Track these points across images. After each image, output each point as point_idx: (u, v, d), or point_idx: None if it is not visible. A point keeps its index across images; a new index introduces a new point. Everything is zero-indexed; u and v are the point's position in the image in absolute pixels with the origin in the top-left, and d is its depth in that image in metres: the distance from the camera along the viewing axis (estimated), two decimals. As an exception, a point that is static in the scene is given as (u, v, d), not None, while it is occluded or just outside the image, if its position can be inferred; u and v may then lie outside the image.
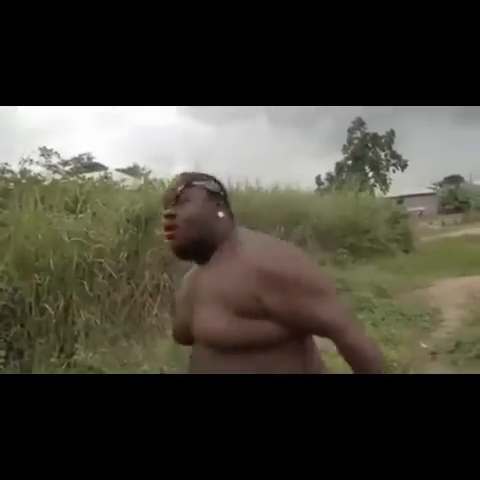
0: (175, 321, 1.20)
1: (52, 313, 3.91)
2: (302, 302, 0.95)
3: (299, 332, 1.00)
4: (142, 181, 6.92)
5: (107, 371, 3.62)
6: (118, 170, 11.67)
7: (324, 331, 0.99)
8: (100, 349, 4.13)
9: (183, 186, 1.06)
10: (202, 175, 1.12)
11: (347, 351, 0.97)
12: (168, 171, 6.89)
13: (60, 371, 3.61)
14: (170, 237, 1.05)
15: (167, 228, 1.05)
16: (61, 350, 4.07)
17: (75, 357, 3.61)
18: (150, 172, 8.23)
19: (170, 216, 1.05)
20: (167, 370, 3.49)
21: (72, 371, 3.58)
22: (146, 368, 3.42)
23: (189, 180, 1.08)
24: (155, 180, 7.07)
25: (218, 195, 1.10)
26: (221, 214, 1.07)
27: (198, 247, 1.05)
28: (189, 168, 7.68)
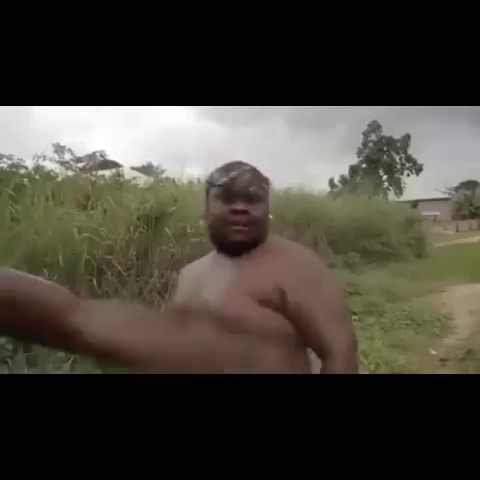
0: (179, 303, 1.16)
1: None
2: (316, 313, 1.00)
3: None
4: (153, 180, 6.94)
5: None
6: (132, 168, 11.73)
7: (319, 349, 1.01)
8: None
9: (257, 186, 1.08)
10: (262, 174, 1.13)
11: (327, 371, 0.99)
12: (182, 171, 6.89)
13: (66, 366, 3.62)
14: (239, 231, 1.05)
15: (240, 223, 1.05)
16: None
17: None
18: (164, 171, 8.24)
19: (243, 212, 1.05)
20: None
21: (78, 367, 3.59)
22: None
23: (260, 181, 1.10)
24: (166, 179, 7.10)
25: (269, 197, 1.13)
26: (271, 216, 1.12)
27: (256, 245, 1.08)
28: (205, 168, 7.72)
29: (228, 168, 1.10)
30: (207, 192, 1.13)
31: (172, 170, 7.43)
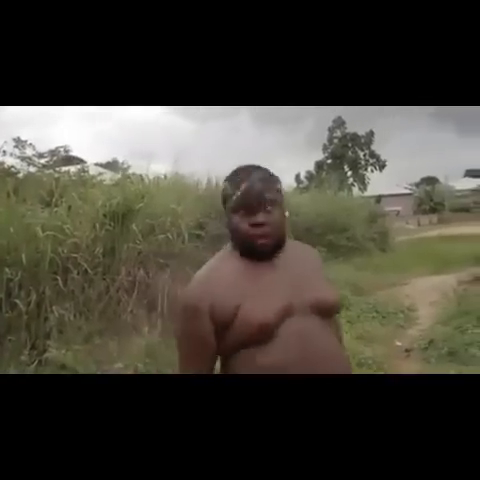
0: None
1: (23, 309, 3.80)
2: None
3: None
4: (120, 175, 6.81)
5: (80, 369, 3.55)
6: (97, 164, 11.45)
7: None
8: (74, 346, 4.05)
9: (269, 193, 1.07)
10: (274, 176, 1.12)
11: None
12: (148, 167, 6.79)
13: (30, 369, 3.52)
14: (263, 244, 1.07)
15: (263, 235, 1.07)
16: (33, 347, 3.97)
17: (46, 355, 3.51)
18: (129, 167, 8.10)
19: (262, 224, 1.06)
20: (142, 368, 3.44)
21: (43, 369, 3.50)
22: (120, 366, 3.36)
23: (271, 185, 1.09)
24: (134, 175, 6.98)
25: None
26: (287, 213, 1.14)
27: (282, 246, 1.11)
28: (172, 164, 7.59)
29: (238, 177, 1.09)
30: (224, 203, 1.14)
31: (138, 166, 7.33)
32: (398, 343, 4.62)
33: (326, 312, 1.08)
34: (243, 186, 1.07)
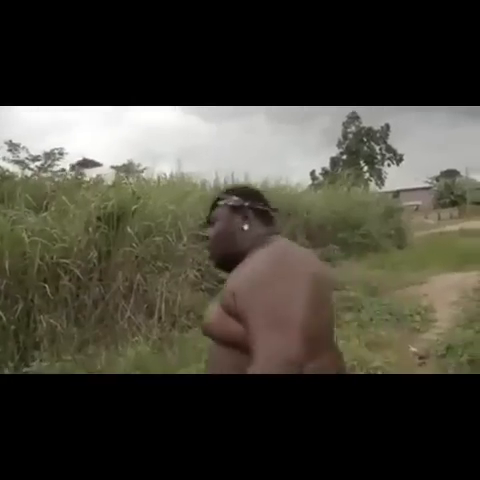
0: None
1: (4, 319, 3.59)
2: (256, 321, 0.93)
3: None
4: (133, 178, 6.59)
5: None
6: (112, 167, 11.37)
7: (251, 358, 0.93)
8: (65, 356, 3.84)
9: (210, 209, 1.21)
10: (226, 194, 1.20)
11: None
12: (154, 167, 6.58)
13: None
14: (209, 255, 1.23)
15: (207, 248, 1.24)
16: (21, 358, 3.77)
17: (28, 368, 3.28)
18: (145, 169, 7.90)
19: (207, 238, 1.22)
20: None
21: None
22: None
23: (214, 202, 1.21)
24: (140, 176, 6.75)
25: (243, 208, 1.16)
26: (246, 227, 1.14)
27: (230, 260, 1.12)
28: (177, 165, 7.37)
29: None
30: None
31: (153, 168, 7.15)
32: (413, 349, 4.25)
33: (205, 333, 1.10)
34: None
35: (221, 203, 1.19)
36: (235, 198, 1.18)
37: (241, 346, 0.94)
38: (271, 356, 0.87)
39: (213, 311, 1.06)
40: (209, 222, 1.21)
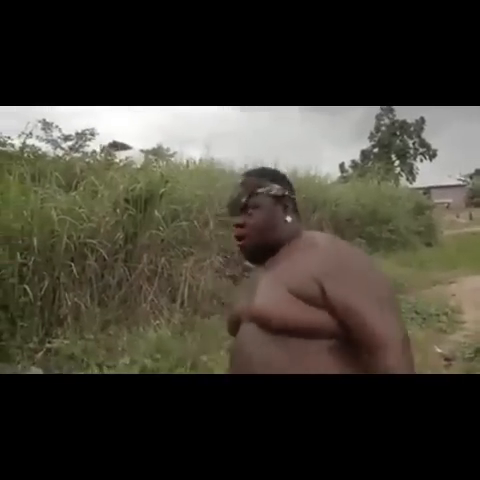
0: (231, 314, 1.19)
1: (31, 295, 3.65)
2: (360, 302, 0.94)
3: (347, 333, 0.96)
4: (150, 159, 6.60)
5: (87, 360, 3.37)
6: (142, 151, 11.42)
7: (368, 342, 0.93)
8: (87, 335, 3.89)
9: (247, 196, 1.10)
10: (265, 180, 1.13)
11: (379, 370, 0.91)
12: (182, 152, 6.57)
13: (38, 357, 3.37)
14: (241, 245, 1.12)
15: (238, 237, 1.11)
16: (47, 334, 3.84)
17: (52, 344, 3.34)
18: (175, 153, 7.91)
19: (239, 225, 1.11)
20: (149, 363, 3.20)
21: (50, 358, 3.34)
22: (126, 362, 3.14)
23: (253, 189, 1.11)
24: (169, 161, 6.75)
25: (284, 198, 1.12)
26: (289, 218, 1.11)
27: (267, 251, 1.09)
28: (206, 150, 7.35)
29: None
30: None
31: (182, 153, 7.16)
32: (439, 350, 4.14)
33: (253, 319, 1.02)
34: (230, 195, 1.16)
35: (262, 191, 1.10)
36: (277, 186, 1.12)
37: (319, 333, 0.95)
38: (394, 334, 0.92)
39: (271, 300, 1.00)
40: (242, 209, 1.11)
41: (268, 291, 1.02)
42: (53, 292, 4.10)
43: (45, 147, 6.45)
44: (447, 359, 3.90)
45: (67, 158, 5.72)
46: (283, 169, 8.85)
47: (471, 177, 42.66)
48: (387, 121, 37.73)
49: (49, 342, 3.54)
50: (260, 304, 1.01)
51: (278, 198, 1.11)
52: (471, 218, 28.17)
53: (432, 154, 37.32)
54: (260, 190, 1.10)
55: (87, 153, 6.08)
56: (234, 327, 1.11)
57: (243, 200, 1.10)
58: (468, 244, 12.11)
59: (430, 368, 3.54)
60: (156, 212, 4.87)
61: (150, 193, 4.96)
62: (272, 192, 1.10)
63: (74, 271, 4.07)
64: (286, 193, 1.12)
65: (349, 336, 0.95)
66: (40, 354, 3.42)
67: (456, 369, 3.69)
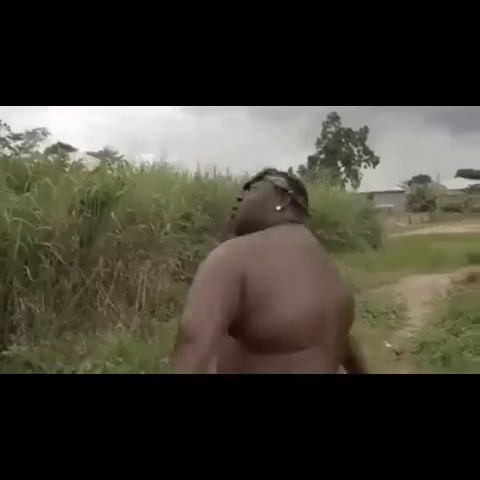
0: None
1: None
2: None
3: None
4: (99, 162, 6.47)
5: (46, 367, 3.27)
6: (89, 153, 11.10)
7: None
8: (43, 341, 3.77)
9: (256, 179, 1.23)
10: (277, 172, 1.23)
11: None
12: (135, 156, 6.47)
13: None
14: (232, 215, 1.21)
15: (233, 209, 1.22)
16: (-2, 341, 3.68)
17: (7, 352, 3.21)
18: (122, 157, 7.78)
19: (239, 199, 1.22)
20: (112, 367, 3.17)
21: (4, 367, 3.21)
22: (87, 366, 3.08)
23: (262, 174, 1.23)
24: (119, 164, 6.64)
25: (285, 192, 1.18)
26: (279, 207, 1.16)
27: (252, 228, 1.12)
28: (161, 154, 7.26)
29: None
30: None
31: (130, 156, 7.05)
32: (389, 345, 4.39)
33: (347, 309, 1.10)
34: None
35: (270, 178, 1.21)
36: (283, 179, 1.21)
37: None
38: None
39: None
40: (247, 188, 1.23)
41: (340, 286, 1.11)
42: (5, 297, 3.94)
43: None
44: (397, 353, 4.15)
45: (16, 158, 5.49)
46: (236, 174, 8.94)
47: (409, 184, 45.02)
48: (333, 129, 39.07)
49: (3, 349, 3.40)
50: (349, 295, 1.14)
51: (279, 189, 1.18)
52: (410, 222, 29.74)
53: (375, 161, 39.07)
54: (267, 176, 1.22)
55: (39, 153, 5.85)
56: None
57: (251, 180, 1.24)
58: (410, 246, 12.82)
59: (382, 362, 3.76)
60: (113, 215, 4.80)
61: (106, 196, 4.88)
62: (276, 183, 1.19)
63: (28, 275, 3.93)
64: (289, 190, 1.19)
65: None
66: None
67: (405, 362, 3.94)
